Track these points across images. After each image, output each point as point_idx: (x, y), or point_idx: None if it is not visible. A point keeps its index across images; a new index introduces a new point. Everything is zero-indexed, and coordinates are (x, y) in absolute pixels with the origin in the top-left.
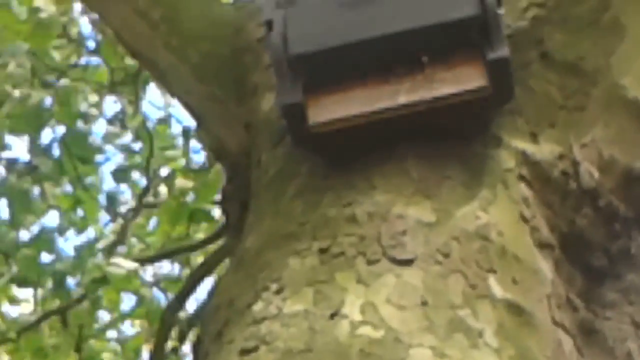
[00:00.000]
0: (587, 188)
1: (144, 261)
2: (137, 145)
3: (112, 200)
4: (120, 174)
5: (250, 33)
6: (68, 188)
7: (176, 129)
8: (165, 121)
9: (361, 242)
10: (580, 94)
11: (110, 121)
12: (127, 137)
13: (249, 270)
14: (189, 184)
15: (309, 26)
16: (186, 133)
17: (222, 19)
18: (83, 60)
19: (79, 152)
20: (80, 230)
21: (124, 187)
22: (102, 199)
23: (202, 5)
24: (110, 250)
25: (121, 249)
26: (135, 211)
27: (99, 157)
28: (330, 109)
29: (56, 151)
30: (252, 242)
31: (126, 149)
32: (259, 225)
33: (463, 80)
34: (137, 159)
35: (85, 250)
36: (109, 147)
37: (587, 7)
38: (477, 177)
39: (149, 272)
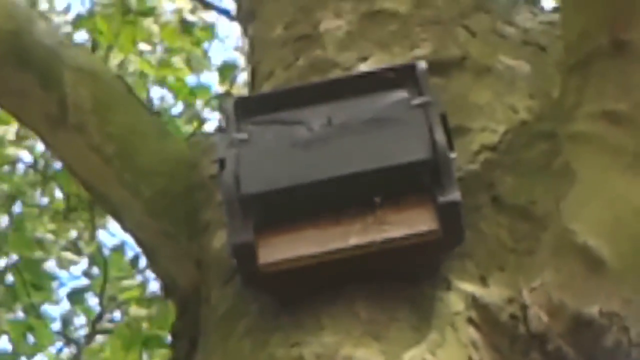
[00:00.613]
0: (535, 332)
1: None
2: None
3: (66, 323)
4: (76, 296)
5: (204, 169)
6: (20, 315)
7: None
8: (120, 248)
9: None
10: (530, 238)
11: (65, 248)
12: (82, 264)
13: None
14: (143, 312)
15: (262, 166)
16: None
17: (176, 155)
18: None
19: (33, 278)
20: (30, 357)
21: (79, 310)
22: (55, 326)
23: (157, 141)
24: None
25: None
26: (88, 337)
27: (53, 284)
28: (281, 249)
29: (9, 277)
30: None
31: (81, 275)
32: None
33: (413, 223)
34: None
35: None
36: (63, 274)
37: (538, 151)
38: (426, 319)
39: None
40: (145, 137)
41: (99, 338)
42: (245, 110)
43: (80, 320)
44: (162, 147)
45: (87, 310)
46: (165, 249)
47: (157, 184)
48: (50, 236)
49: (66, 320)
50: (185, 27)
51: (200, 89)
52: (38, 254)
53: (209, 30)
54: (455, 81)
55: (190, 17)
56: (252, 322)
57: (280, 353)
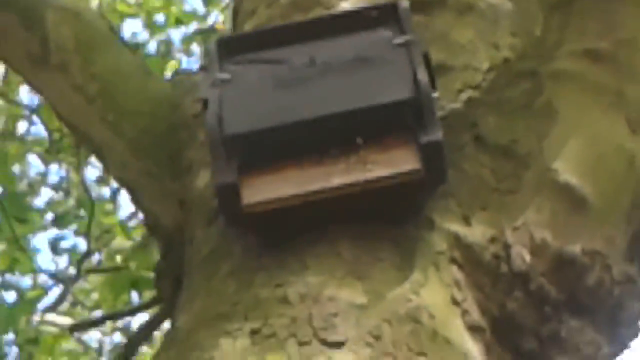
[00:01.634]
0: (518, 271)
1: (80, 326)
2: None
3: (55, 248)
4: (63, 220)
5: (187, 109)
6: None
7: None
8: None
9: (293, 323)
10: (512, 177)
11: (52, 187)
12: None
13: (181, 350)
14: (127, 243)
15: (245, 106)
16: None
17: (159, 95)
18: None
19: (16, 212)
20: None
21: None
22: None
23: (139, 81)
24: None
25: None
26: (75, 277)
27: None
28: (264, 190)
29: None
30: (184, 321)
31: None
32: (190, 304)
33: (396, 163)
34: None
35: (19, 308)
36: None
37: (520, 90)
38: (409, 259)
39: (94, 338)
40: (128, 77)
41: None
42: (228, 49)
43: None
44: (145, 87)
45: (72, 252)
46: (148, 189)
47: (140, 123)
48: (35, 172)
49: (55, 246)
50: None
51: (187, 16)
52: (23, 188)
53: None
54: (438, 19)
55: None
56: (236, 263)
57: (265, 293)
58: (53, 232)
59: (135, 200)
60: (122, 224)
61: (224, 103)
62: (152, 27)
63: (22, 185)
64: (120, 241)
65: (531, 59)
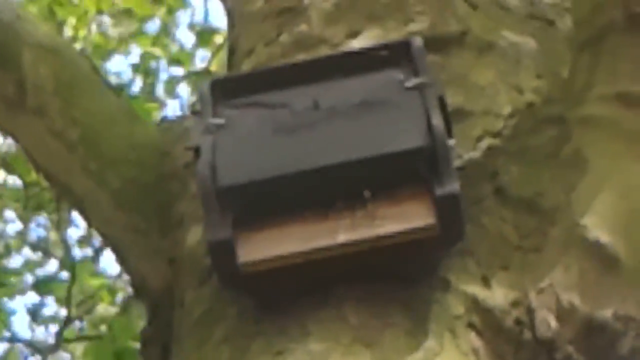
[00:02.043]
0: (543, 339)
1: None
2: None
3: (35, 316)
4: (44, 286)
5: (177, 158)
6: None
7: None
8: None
9: None
10: (537, 233)
11: (32, 245)
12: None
13: None
14: (112, 310)
15: (240, 155)
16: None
17: (146, 142)
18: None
19: None
20: None
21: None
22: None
23: (125, 126)
24: None
25: None
26: (55, 346)
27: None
28: (263, 247)
29: None
30: None
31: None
32: None
33: (409, 217)
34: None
35: None
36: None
37: (546, 137)
38: (423, 324)
39: None
40: (112, 121)
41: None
42: (223, 91)
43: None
44: (131, 133)
45: (52, 320)
46: (134, 246)
47: (126, 173)
48: (12, 230)
49: (34, 313)
50: None
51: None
52: None
53: None
54: (455, 59)
55: None
56: (230, 327)
57: None
58: (31, 296)
59: (120, 258)
60: (107, 287)
61: (217, 151)
62: (145, 70)
63: None
64: (104, 307)
65: (558, 103)
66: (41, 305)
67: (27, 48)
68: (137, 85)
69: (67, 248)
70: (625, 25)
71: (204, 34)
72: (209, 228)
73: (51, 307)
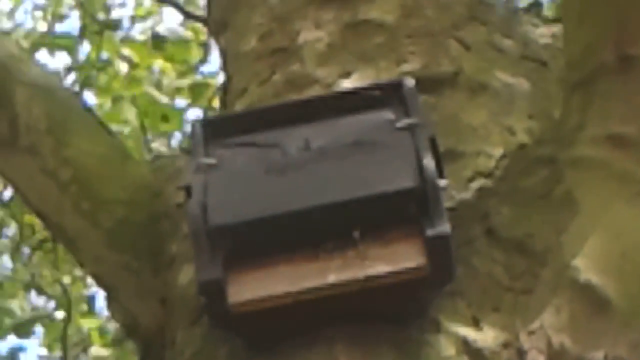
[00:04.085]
0: None
1: None
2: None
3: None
4: (23, 329)
5: (169, 197)
6: None
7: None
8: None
9: None
10: (527, 275)
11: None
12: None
13: None
14: (105, 352)
15: (232, 194)
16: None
17: (138, 181)
18: None
19: None
20: None
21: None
22: None
23: (117, 165)
24: None
25: None
26: None
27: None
28: (253, 287)
29: None
30: None
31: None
32: None
33: (399, 258)
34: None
35: None
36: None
37: (537, 178)
38: None
39: None
40: (105, 161)
41: None
42: (215, 131)
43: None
44: (123, 173)
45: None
46: (126, 285)
47: (118, 213)
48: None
49: (13, 356)
50: (156, 42)
51: (173, 112)
52: None
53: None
54: (447, 100)
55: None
56: None
57: None
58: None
59: (111, 297)
60: (100, 330)
61: (209, 191)
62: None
63: None
64: (96, 349)
65: (550, 145)
66: (20, 349)
67: (20, 87)
68: None
69: (63, 287)
70: (617, 66)
71: (197, 89)
72: (200, 268)
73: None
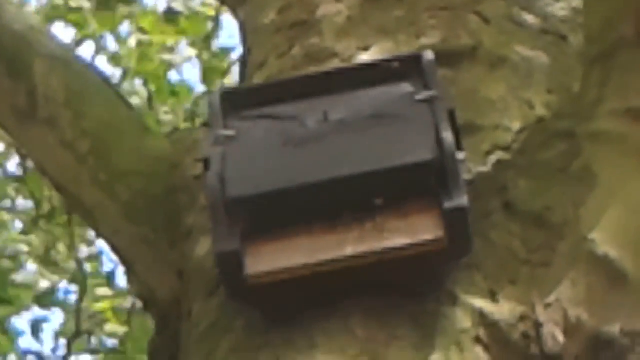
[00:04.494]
0: (550, 353)
1: None
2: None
3: (36, 330)
4: (46, 299)
5: (187, 170)
6: None
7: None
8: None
9: None
10: (545, 248)
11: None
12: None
13: None
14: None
15: (250, 166)
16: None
17: (156, 154)
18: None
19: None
20: None
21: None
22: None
23: (135, 138)
24: None
25: None
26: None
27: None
28: (270, 259)
29: None
30: None
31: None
32: None
33: (416, 230)
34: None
35: None
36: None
37: (555, 152)
38: (429, 338)
39: None
40: (123, 133)
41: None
42: (233, 103)
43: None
44: (141, 145)
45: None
46: (143, 257)
47: (136, 185)
48: (21, 247)
49: (35, 328)
50: (169, 16)
51: (182, 88)
52: (6, 264)
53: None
54: (466, 73)
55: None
56: (237, 339)
57: None
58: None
59: (128, 269)
60: (116, 310)
61: (227, 163)
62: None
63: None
64: (112, 325)
65: (568, 118)
66: (43, 320)
67: (38, 59)
68: None
69: (79, 262)
70: (636, 40)
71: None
72: (217, 239)
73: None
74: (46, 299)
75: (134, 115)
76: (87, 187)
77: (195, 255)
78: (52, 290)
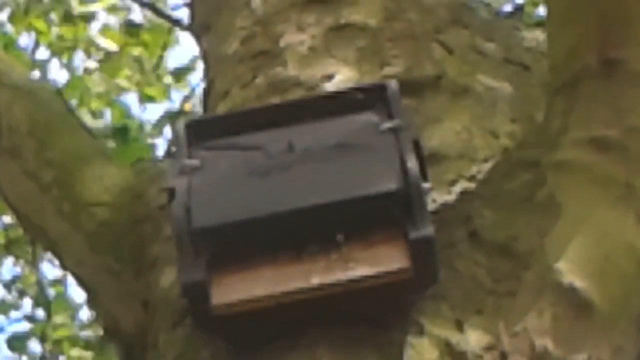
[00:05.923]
0: None
1: None
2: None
3: None
4: (17, 342)
5: (151, 200)
6: None
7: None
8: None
9: None
10: (511, 278)
11: (6, 286)
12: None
13: None
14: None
15: (215, 197)
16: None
17: (121, 184)
18: None
19: None
20: None
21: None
22: None
23: (99, 168)
24: None
25: None
26: None
27: None
28: (236, 289)
29: None
30: None
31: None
32: None
33: (382, 261)
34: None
35: None
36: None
37: (520, 182)
38: None
39: None
40: (87, 163)
41: None
42: (198, 133)
43: None
44: (105, 175)
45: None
46: (108, 288)
47: (100, 215)
48: None
49: None
50: (129, 29)
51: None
52: None
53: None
54: (430, 103)
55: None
56: None
57: None
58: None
59: (92, 300)
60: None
61: (192, 193)
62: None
63: None
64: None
65: (532, 148)
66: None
67: (2, 89)
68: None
69: (41, 286)
70: (600, 70)
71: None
72: (183, 269)
73: None
74: (18, 343)
75: (98, 145)
76: (51, 217)
77: (160, 286)
78: (25, 335)
